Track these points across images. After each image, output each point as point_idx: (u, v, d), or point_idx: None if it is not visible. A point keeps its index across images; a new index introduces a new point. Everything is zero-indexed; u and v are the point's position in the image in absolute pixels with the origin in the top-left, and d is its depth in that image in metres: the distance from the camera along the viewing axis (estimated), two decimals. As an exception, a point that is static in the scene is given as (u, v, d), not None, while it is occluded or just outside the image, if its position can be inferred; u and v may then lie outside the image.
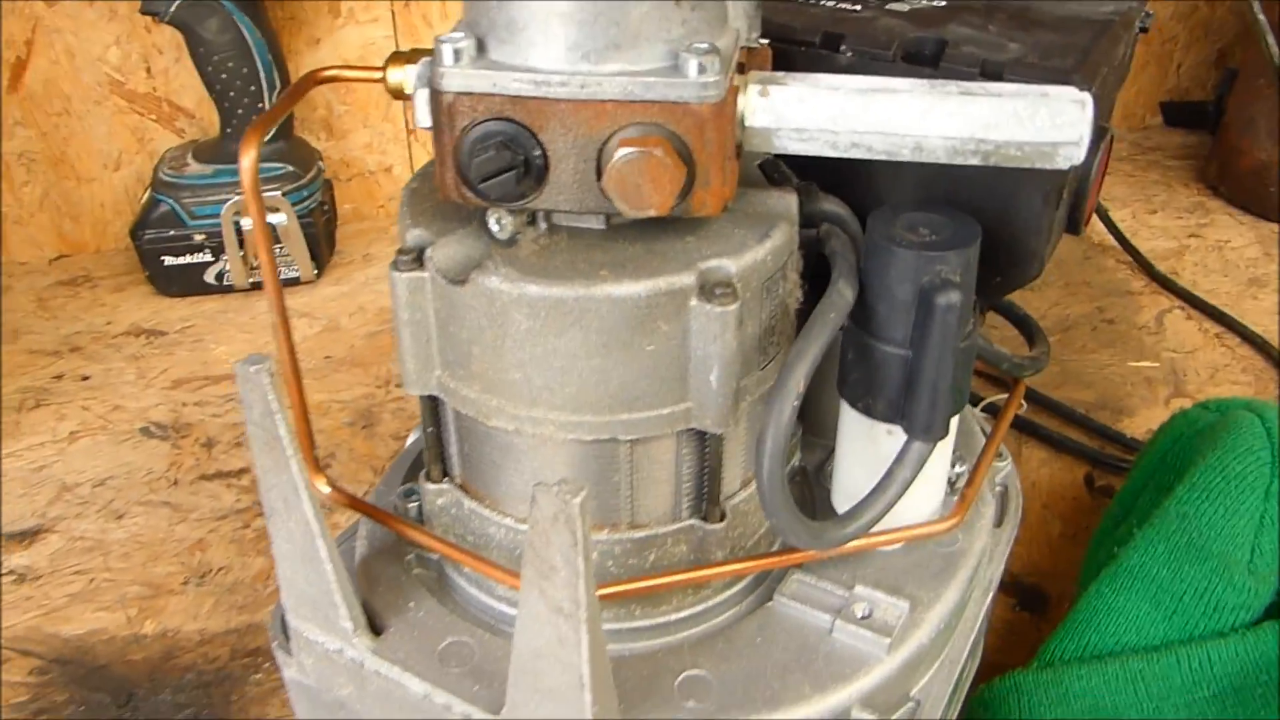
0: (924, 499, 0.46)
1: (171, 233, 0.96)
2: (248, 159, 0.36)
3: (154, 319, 0.98)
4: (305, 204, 0.97)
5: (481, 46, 0.36)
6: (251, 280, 0.99)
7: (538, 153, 0.35)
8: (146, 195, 0.97)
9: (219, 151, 0.96)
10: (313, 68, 0.43)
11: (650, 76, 0.34)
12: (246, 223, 0.95)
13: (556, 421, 0.38)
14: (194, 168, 0.96)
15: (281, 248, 0.98)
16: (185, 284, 0.99)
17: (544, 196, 0.36)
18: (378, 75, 0.40)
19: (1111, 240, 1.07)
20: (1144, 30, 0.51)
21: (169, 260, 0.97)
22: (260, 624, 0.68)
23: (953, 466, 0.49)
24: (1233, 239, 1.11)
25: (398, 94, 0.40)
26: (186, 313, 0.98)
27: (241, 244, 0.96)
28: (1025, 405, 0.83)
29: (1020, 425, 0.82)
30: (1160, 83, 1.33)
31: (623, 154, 0.34)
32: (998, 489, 0.53)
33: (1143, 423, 0.83)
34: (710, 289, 0.36)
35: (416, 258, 0.38)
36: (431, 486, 0.45)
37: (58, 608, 0.69)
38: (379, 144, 1.11)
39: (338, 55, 1.06)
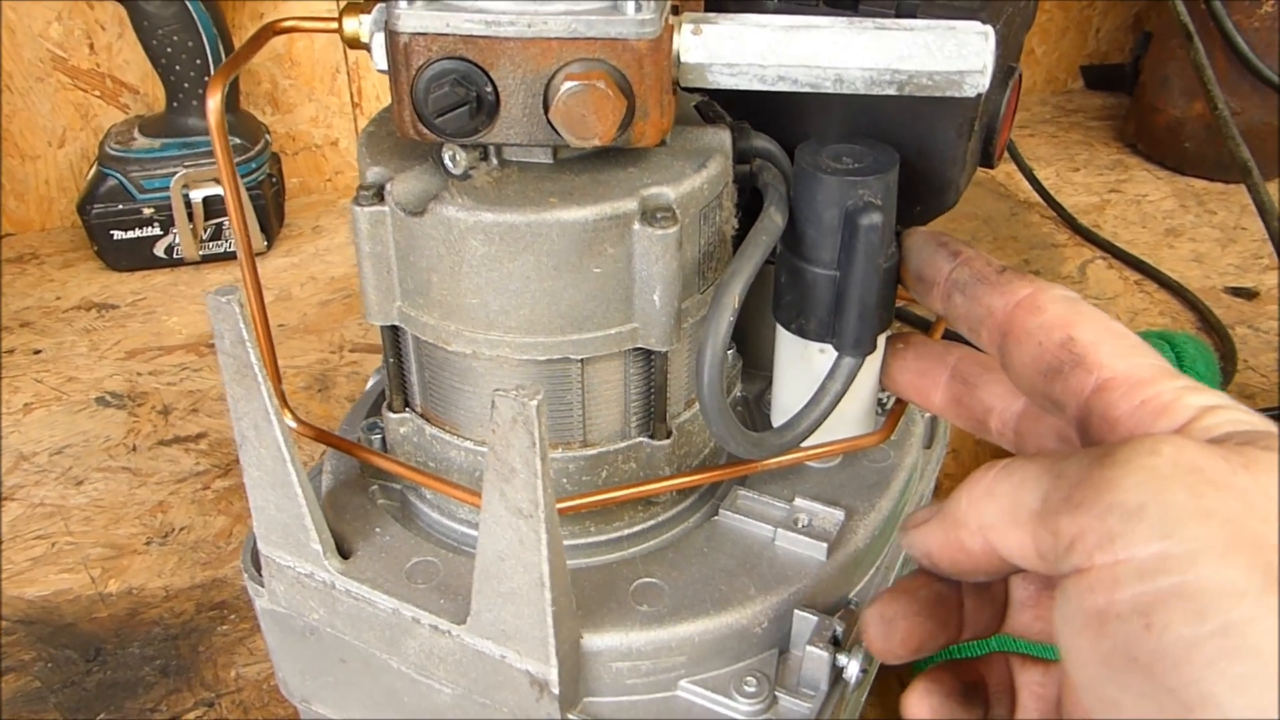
0: (857, 419, 0.49)
1: (120, 207, 0.96)
2: (214, 100, 0.38)
3: (104, 293, 0.98)
4: (254, 176, 0.98)
5: (433, -11, 0.38)
6: (202, 253, 1.00)
7: (489, 89, 0.37)
8: (93, 170, 0.97)
9: (166, 125, 0.97)
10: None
11: (592, 15, 0.37)
12: (195, 195, 0.96)
13: (512, 343, 0.41)
14: (141, 141, 0.96)
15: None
16: (135, 258, 0.99)
17: (496, 130, 0.38)
18: (334, 25, 0.42)
19: (1037, 197, 1.11)
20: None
21: (118, 234, 0.97)
22: (224, 579, 0.69)
23: (882, 390, 0.52)
24: (1150, 193, 1.16)
25: (353, 43, 0.42)
26: (137, 286, 0.99)
27: (191, 217, 0.97)
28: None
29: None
30: (1080, 47, 1.38)
31: (568, 87, 0.37)
32: (927, 414, 0.56)
33: (1067, 365, 0.86)
34: (651, 214, 0.39)
35: (376, 193, 0.41)
36: (394, 416, 0.47)
37: (20, 571, 0.70)
38: (324, 118, 1.12)
39: (280, 30, 1.07)
